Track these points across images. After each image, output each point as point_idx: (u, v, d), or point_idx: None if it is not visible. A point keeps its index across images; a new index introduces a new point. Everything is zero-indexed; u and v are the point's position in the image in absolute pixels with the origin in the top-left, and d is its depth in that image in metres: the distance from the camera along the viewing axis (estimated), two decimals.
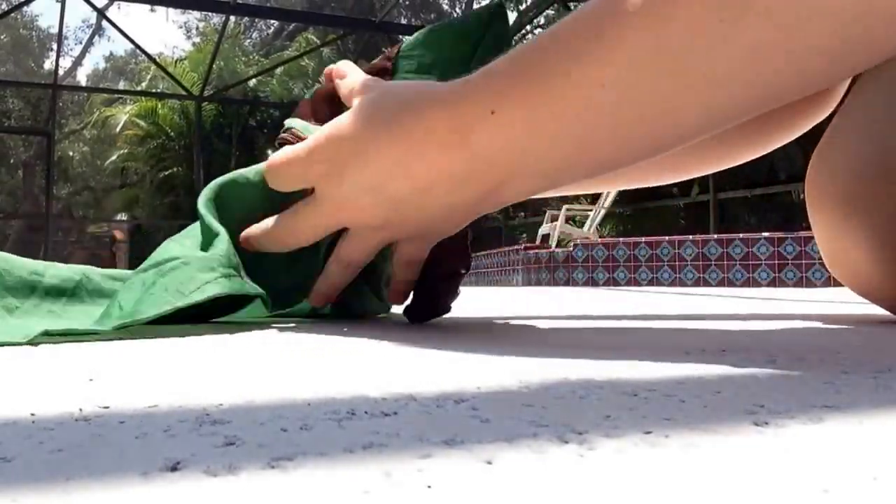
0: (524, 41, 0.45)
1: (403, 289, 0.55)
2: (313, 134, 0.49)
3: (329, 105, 0.54)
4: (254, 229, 0.53)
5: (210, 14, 12.05)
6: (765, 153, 0.67)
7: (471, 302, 1.12)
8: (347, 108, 0.49)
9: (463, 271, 0.56)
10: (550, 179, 0.43)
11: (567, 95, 0.38)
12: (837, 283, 0.60)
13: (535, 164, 0.41)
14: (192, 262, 0.47)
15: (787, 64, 0.34)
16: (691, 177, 0.70)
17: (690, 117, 0.37)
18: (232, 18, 7.77)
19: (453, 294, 0.57)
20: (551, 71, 0.38)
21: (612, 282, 3.60)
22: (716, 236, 3.43)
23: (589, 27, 0.37)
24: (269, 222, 0.52)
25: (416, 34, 0.58)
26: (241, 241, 0.53)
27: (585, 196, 8.10)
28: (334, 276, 0.52)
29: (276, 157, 0.52)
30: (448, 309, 0.58)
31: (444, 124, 0.41)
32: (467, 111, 0.41)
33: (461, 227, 0.49)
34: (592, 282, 3.66)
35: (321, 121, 0.53)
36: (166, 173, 11.75)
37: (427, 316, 0.57)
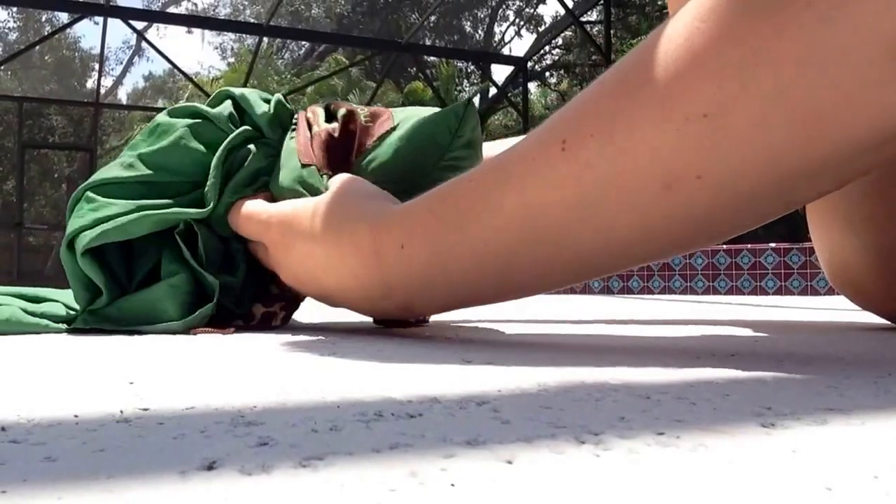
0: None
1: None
2: (285, 203, 0.54)
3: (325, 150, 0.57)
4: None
5: (244, 35, 12.12)
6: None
7: (492, 309, 1.12)
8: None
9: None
10: (451, 306, 0.47)
11: (464, 242, 0.40)
12: None
13: (434, 293, 0.44)
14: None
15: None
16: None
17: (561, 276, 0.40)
18: (265, 40, 7.77)
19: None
20: (453, 220, 0.41)
21: (627, 290, 3.57)
22: (724, 247, 3.40)
23: (480, 187, 0.40)
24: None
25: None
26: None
27: None
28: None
29: (246, 206, 0.57)
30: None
31: (368, 245, 0.45)
32: (386, 240, 0.45)
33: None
34: (608, 290, 3.63)
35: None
36: None
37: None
